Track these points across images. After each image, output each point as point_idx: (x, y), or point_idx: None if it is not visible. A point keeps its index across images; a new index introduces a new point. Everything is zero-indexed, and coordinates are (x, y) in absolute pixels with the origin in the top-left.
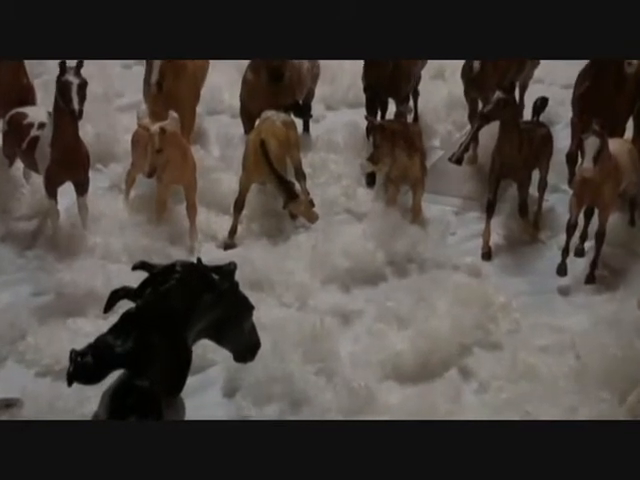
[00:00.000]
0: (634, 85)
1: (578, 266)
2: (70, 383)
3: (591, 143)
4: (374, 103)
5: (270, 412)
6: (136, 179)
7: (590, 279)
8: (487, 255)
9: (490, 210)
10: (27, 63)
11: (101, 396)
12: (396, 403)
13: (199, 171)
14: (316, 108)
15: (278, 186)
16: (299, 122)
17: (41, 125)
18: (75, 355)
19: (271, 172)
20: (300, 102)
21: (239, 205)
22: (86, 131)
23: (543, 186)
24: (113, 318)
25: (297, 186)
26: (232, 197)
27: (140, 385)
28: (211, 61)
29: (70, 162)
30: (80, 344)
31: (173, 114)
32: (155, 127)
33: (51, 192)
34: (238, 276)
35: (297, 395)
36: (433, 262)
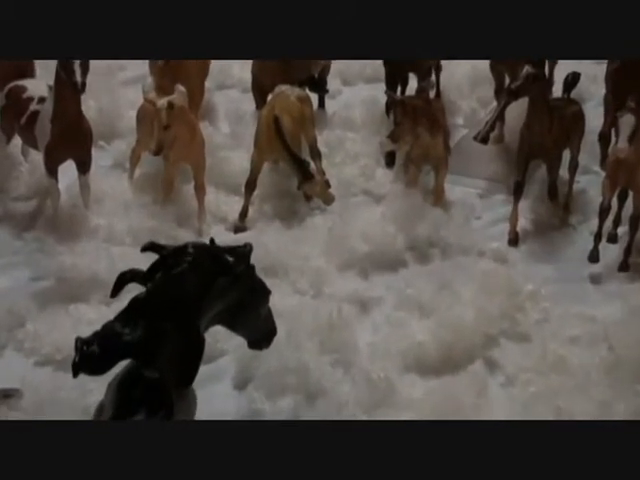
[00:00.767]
0: None
1: (611, 252)
2: (76, 373)
3: (626, 121)
4: (394, 77)
5: (284, 405)
6: (141, 157)
7: (623, 266)
8: (514, 240)
9: (517, 192)
10: None
11: (107, 387)
12: (418, 397)
13: (208, 149)
14: (332, 83)
15: (292, 165)
16: (314, 97)
17: (41, 99)
18: (81, 343)
19: (285, 150)
20: (315, 76)
21: (250, 185)
22: (88, 106)
23: (574, 167)
24: (117, 305)
25: (312, 165)
26: (243, 177)
27: (149, 376)
28: None
29: (72, 139)
30: (82, 332)
31: (180, 88)
32: (162, 102)
33: (51, 170)
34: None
35: (312, 387)
36: (457, 247)
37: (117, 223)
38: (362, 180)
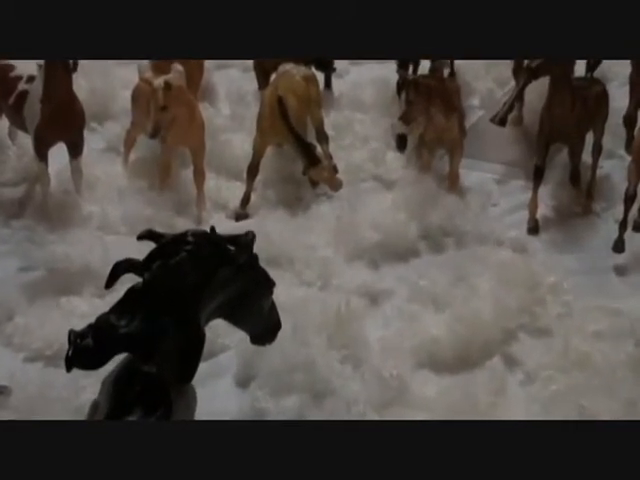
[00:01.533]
0: None
1: (637, 242)
2: (69, 368)
3: None
4: None
5: (289, 404)
6: (137, 140)
7: None
8: (534, 229)
9: (537, 178)
10: None
11: (101, 383)
12: (432, 395)
13: (208, 131)
14: (340, 61)
15: (297, 149)
16: (321, 76)
17: (30, 78)
18: (74, 337)
19: (289, 133)
20: None
21: (253, 170)
22: (80, 85)
23: (598, 151)
24: (112, 297)
25: (318, 149)
26: (245, 161)
27: (147, 371)
28: None
29: (62, 120)
30: (75, 326)
31: (178, 67)
32: (159, 81)
33: (41, 154)
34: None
35: (320, 385)
36: (473, 236)
37: (111, 210)
38: (372, 165)
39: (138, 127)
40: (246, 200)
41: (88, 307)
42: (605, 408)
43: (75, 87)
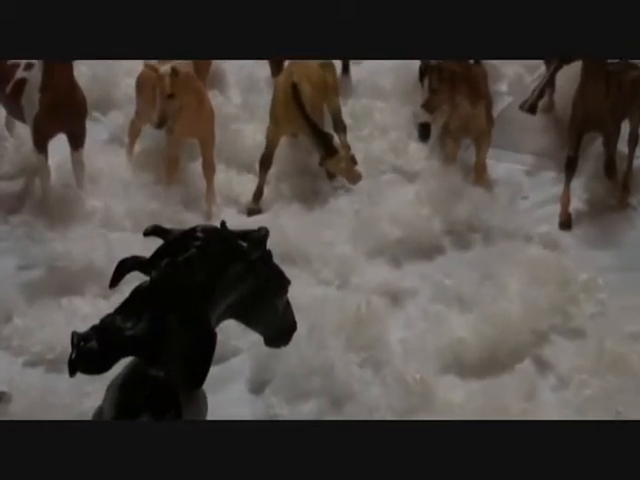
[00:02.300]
0: None
1: None
2: (72, 372)
3: None
4: None
5: (306, 411)
6: (142, 130)
7: None
8: (566, 223)
9: (570, 169)
10: None
11: (106, 389)
12: (458, 401)
13: (217, 121)
14: None
15: (313, 139)
16: (338, 62)
17: (29, 65)
18: (77, 339)
19: (304, 122)
20: None
21: (266, 162)
22: (81, 72)
23: (634, 140)
24: (116, 298)
25: (336, 139)
26: (257, 152)
27: (154, 375)
28: None
29: (63, 110)
30: (77, 328)
31: None
32: (165, 67)
33: (40, 146)
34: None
35: (338, 391)
36: (501, 231)
37: (115, 205)
38: (392, 156)
39: (143, 117)
40: (259, 194)
41: (91, 308)
42: None
43: (76, 74)
